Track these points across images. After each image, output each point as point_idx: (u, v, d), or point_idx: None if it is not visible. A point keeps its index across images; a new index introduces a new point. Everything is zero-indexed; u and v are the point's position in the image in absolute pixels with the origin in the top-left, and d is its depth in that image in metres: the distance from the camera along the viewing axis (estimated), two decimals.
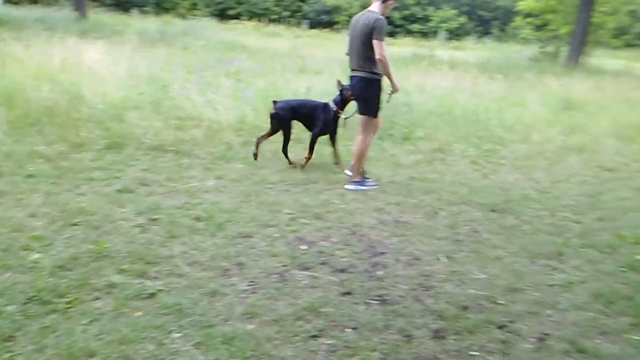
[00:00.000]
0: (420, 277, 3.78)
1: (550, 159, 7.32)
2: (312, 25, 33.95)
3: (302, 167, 6.14)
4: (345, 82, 5.97)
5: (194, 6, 35.49)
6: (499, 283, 3.76)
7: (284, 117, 6.14)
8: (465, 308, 3.40)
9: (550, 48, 20.62)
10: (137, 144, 6.40)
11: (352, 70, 5.60)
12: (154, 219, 4.41)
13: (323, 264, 3.88)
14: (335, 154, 6.35)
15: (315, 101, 6.44)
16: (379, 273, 3.80)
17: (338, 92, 6.11)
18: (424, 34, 31.62)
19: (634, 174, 6.87)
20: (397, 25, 34.69)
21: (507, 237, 4.62)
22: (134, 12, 27.58)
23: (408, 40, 29.70)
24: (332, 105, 6.14)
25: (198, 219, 4.49)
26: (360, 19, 5.44)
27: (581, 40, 18.25)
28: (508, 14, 30.37)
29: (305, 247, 4.14)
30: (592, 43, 20.00)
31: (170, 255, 3.81)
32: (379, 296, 3.48)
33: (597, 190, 6.10)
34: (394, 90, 5.63)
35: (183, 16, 30.14)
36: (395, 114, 8.00)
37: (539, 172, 6.75)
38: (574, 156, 7.56)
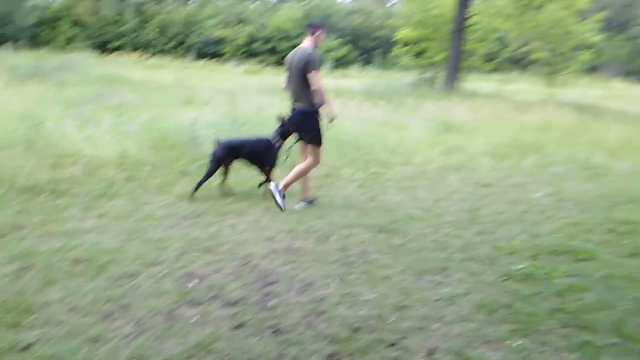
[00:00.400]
0: (313, 303, 3.78)
1: (432, 179, 7.69)
2: (199, 57, 33.67)
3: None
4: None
5: (71, 40, 34.00)
6: (388, 302, 3.84)
7: (215, 154, 6.17)
8: (357, 329, 3.44)
9: (428, 74, 21.86)
10: (9, 185, 5.95)
11: (293, 102, 6.01)
12: (28, 265, 4.09)
13: (214, 298, 3.78)
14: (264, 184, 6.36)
15: (258, 138, 6.45)
16: (272, 302, 3.76)
17: (279, 125, 6.23)
18: None
19: (508, 188, 7.36)
20: (284, 56, 35.20)
21: (395, 255, 4.76)
22: (8, 46, 25.94)
23: None
24: (273, 138, 6.25)
25: (77, 261, 4.23)
26: (295, 55, 5.89)
27: (455, 66, 19.50)
28: (388, 43, 31.88)
29: (194, 282, 4.02)
30: (465, 68, 21.42)
31: (46, 302, 3.54)
32: (271, 326, 3.43)
33: (475, 205, 6.47)
34: (330, 116, 5.92)
35: (60, 50, 28.74)
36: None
37: (422, 191, 7.05)
38: (454, 175, 7.99)
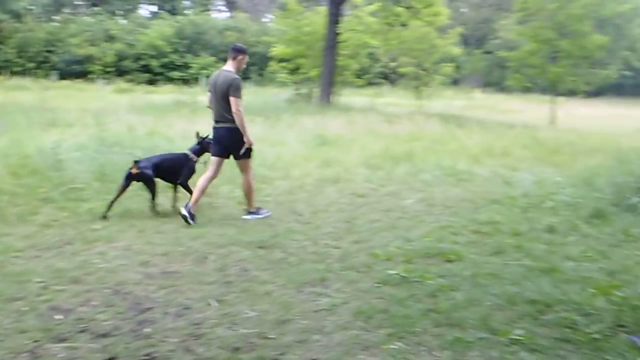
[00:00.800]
0: (191, 327, 3.65)
1: (310, 192, 7.78)
2: (63, 76, 31.70)
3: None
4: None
5: None
6: (269, 318, 3.81)
7: (149, 175, 6.27)
8: (237, 349, 3.36)
9: (304, 90, 22.27)
10: None
11: (216, 122, 6.24)
12: None
13: (82, 331, 3.52)
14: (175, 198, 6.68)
15: (174, 154, 6.87)
16: (147, 330, 3.58)
17: (196, 142, 6.65)
18: (186, 81, 31.65)
19: (382, 197, 7.64)
20: (157, 73, 34.25)
21: (275, 270, 4.73)
22: None
23: (170, 87, 29.54)
24: (190, 154, 6.62)
25: None
26: (219, 77, 6.15)
27: (329, 81, 20.04)
28: (264, 59, 32.03)
29: (60, 316, 3.73)
30: (339, 83, 22.08)
31: None
32: (146, 355, 3.26)
33: (352, 215, 6.63)
34: (248, 143, 6.19)
35: None
36: None
37: (301, 204, 7.12)
38: (331, 187, 8.15)
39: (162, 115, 13.01)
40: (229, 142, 6.23)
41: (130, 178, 6.21)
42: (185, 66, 34.94)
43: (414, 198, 7.55)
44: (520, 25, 25.30)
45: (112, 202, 6.19)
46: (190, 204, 6.15)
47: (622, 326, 3.63)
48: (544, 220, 6.22)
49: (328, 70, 19.83)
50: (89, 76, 32.57)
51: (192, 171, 6.63)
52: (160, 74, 34.38)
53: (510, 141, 12.51)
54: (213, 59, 35.21)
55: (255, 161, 8.96)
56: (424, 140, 12.03)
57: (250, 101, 19.36)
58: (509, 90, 31.07)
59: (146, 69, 34.59)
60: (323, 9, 22.18)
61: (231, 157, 6.40)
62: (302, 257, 5.10)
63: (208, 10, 47.13)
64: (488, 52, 43.26)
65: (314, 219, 6.46)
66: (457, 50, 22.76)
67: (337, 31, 19.13)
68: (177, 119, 12.80)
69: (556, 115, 20.06)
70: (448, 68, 22.85)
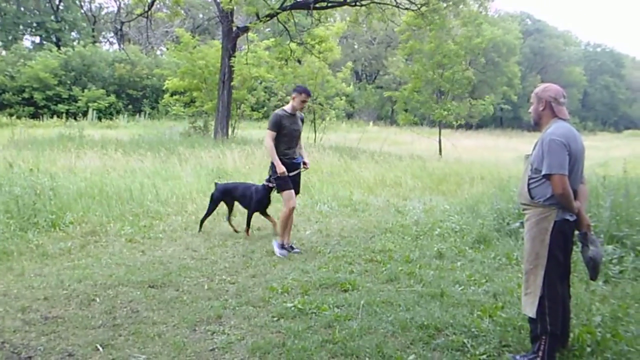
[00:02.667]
0: None
1: (206, 227, 7.60)
2: None
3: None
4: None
5: None
6: None
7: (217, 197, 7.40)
8: None
9: (199, 123, 21.92)
10: None
11: None
12: None
13: None
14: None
15: (245, 184, 7.68)
16: None
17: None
18: (73, 115, 30.14)
19: None
20: (41, 107, 32.37)
21: (168, 310, 4.55)
22: None
23: (55, 121, 28.04)
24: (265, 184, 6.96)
25: None
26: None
27: (225, 114, 19.88)
28: (158, 92, 31.32)
29: None
30: (235, 117, 21.98)
31: None
32: None
33: (249, 249, 6.54)
34: (278, 171, 6.28)
35: None
36: (39, 200, 7.31)
37: (196, 240, 6.93)
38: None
39: (45, 150, 12.28)
40: (272, 175, 6.55)
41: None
42: (72, 99, 33.32)
43: (311, 229, 7.60)
44: (405, 64, 26.73)
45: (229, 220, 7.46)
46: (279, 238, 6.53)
47: (507, 346, 3.82)
48: (433, 246, 6.48)
49: (224, 103, 19.69)
50: None
51: (261, 202, 7.13)
52: (45, 107, 32.51)
53: (402, 172, 12.98)
54: (102, 91, 33.91)
55: (147, 197, 8.73)
56: (321, 172, 12.19)
57: (142, 135, 18.91)
58: (400, 123, 32.55)
59: (29, 102, 32.60)
60: (217, 43, 22.14)
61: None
62: (197, 294, 4.94)
63: (96, 42, 45.51)
64: (379, 87, 45.19)
65: (210, 254, 6.31)
66: (349, 89, 23.51)
67: (232, 65, 19.12)
68: (62, 153, 12.12)
69: (443, 147, 21.18)
70: (341, 102, 23.50)
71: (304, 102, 6.40)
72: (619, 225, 6.05)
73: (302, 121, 6.67)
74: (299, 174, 6.67)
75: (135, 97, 36.06)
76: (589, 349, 3.62)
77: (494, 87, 45.14)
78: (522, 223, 6.77)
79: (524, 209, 3.74)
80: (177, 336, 4.04)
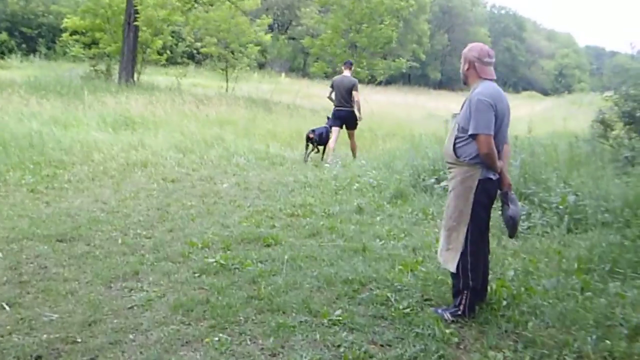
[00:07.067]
0: None
1: (115, 177, 7.22)
2: None
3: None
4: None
5: None
6: (75, 320, 3.42)
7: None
8: (38, 358, 2.96)
9: (101, 66, 20.58)
10: None
11: (338, 107, 9.77)
12: None
13: None
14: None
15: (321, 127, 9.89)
16: None
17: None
18: None
19: (195, 182, 7.36)
20: None
21: (79, 266, 4.29)
22: None
23: None
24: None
25: None
26: (343, 80, 9.75)
27: (131, 58, 18.76)
28: (55, 31, 28.98)
29: None
30: (142, 61, 20.85)
31: None
32: None
33: (164, 202, 6.28)
34: (359, 119, 9.85)
35: None
36: None
37: (105, 191, 6.56)
38: (139, 172, 7.65)
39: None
40: (347, 120, 9.70)
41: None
42: None
43: (229, 182, 7.41)
44: (320, 14, 26.39)
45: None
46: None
47: (429, 299, 3.92)
48: (353, 201, 6.52)
49: (129, 46, 18.54)
50: None
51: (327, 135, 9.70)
52: None
53: (316, 125, 12.94)
54: None
55: (49, 144, 8.14)
56: (235, 124, 11.91)
57: (39, 77, 17.53)
58: (312, 76, 32.32)
59: None
60: None
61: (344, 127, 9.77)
62: (110, 249, 4.69)
63: None
64: (292, 39, 44.51)
65: (122, 207, 5.99)
66: (267, 37, 22.94)
67: (136, 5, 17.92)
68: None
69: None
70: (254, 49, 22.90)
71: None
72: (527, 183, 6.36)
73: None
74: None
75: (29, 36, 33.22)
76: (504, 302, 3.79)
77: (404, 44, 45.78)
78: (437, 179, 7.03)
79: (449, 168, 3.79)
80: (91, 293, 3.82)
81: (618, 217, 5.37)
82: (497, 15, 72.68)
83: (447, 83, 52.95)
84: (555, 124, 15.37)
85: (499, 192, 3.74)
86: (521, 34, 70.39)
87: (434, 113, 20.31)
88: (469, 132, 3.54)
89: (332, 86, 9.75)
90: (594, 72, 70.81)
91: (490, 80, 3.68)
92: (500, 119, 3.57)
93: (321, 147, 9.81)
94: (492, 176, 3.61)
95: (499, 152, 3.61)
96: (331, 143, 9.61)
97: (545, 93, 54.76)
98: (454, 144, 3.67)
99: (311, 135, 9.53)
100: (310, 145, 9.58)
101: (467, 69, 3.71)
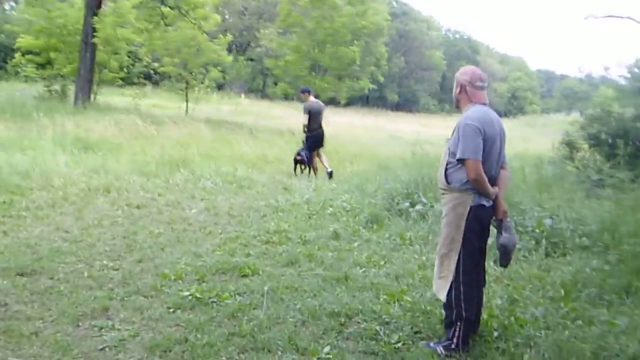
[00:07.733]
0: None
1: (77, 204, 6.84)
2: None
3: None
4: None
5: None
6: None
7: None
8: None
9: (56, 87, 19.92)
10: None
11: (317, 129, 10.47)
12: None
13: None
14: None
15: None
16: None
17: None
18: None
19: (162, 207, 7.04)
20: None
21: (43, 303, 3.97)
22: None
23: None
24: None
25: None
26: (320, 104, 10.80)
27: (87, 79, 18.23)
28: (7, 51, 28.06)
29: None
30: (98, 82, 20.29)
31: None
32: None
33: (130, 230, 5.96)
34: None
35: None
36: None
37: (67, 219, 6.19)
38: (101, 197, 7.27)
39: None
40: (323, 138, 10.59)
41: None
42: None
43: (197, 208, 7.13)
44: (281, 36, 26.39)
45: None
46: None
47: (419, 332, 3.76)
48: (328, 226, 6.34)
49: (86, 66, 18.02)
50: None
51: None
52: None
53: (282, 148, 12.79)
54: None
55: (3, 169, 7.68)
56: (198, 146, 11.60)
57: None
58: (271, 97, 32.15)
59: None
60: (79, 1, 20.21)
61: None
62: (76, 283, 4.37)
63: None
64: (251, 60, 44.42)
65: (86, 235, 5.64)
66: (228, 57, 22.76)
67: (95, 25, 17.46)
68: None
69: None
70: (216, 72, 22.64)
71: None
72: None
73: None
74: None
75: None
76: (495, 333, 3.67)
77: (362, 66, 46.27)
78: (411, 203, 6.93)
79: (442, 193, 3.67)
80: (57, 333, 3.52)
81: (596, 241, 5.36)
82: (452, 39, 74.39)
83: (404, 105, 53.74)
84: (516, 145, 15.61)
85: (494, 219, 3.64)
86: (475, 57, 72.08)
87: (395, 135, 20.44)
88: (457, 157, 3.45)
89: (308, 112, 10.10)
90: (544, 95, 73.21)
91: (482, 104, 3.60)
92: (490, 144, 3.48)
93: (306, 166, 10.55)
94: (485, 203, 3.51)
95: (492, 177, 3.52)
96: (322, 162, 10.55)
97: (500, 115, 55.98)
98: (446, 170, 3.57)
99: (299, 158, 10.30)
100: (299, 166, 10.38)
101: (459, 93, 3.64)
